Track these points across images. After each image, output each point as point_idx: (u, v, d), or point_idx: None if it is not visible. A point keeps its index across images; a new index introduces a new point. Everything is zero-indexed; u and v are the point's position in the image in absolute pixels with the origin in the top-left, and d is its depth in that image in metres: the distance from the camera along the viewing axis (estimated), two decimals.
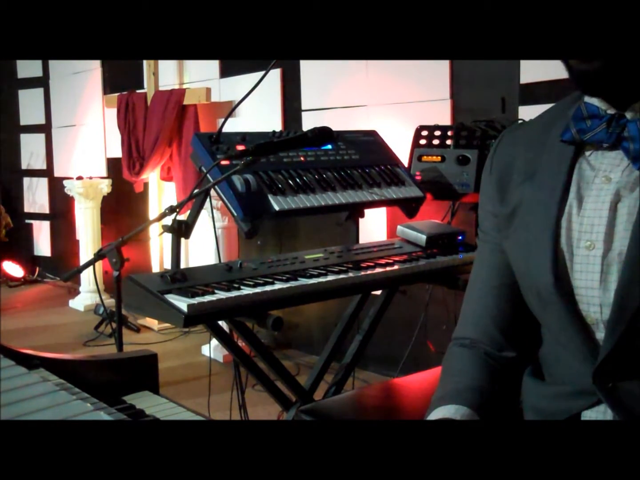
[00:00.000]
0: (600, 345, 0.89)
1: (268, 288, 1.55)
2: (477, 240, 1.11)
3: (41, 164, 5.96)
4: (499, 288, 1.04)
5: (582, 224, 0.91)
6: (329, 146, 2.08)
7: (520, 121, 2.35)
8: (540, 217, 0.94)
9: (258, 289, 1.54)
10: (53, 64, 5.65)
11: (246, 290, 1.52)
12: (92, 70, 5.22)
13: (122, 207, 5.18)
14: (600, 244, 0.88)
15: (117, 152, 4.78)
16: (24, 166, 6.16)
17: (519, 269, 0.99)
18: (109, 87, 5.14)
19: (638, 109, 0.88)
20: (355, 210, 2.21)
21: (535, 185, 0.97)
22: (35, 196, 6.08)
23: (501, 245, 1.03)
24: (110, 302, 4.24)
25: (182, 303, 1.43)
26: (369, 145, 2.23)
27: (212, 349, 3.46)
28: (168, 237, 1.82)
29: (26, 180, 6.14)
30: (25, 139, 6.12)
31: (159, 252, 4.50)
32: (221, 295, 1.48)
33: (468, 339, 1.05)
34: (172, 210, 1.66)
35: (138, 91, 4.51)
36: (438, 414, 0.94)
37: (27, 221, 6.05)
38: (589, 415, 0.91)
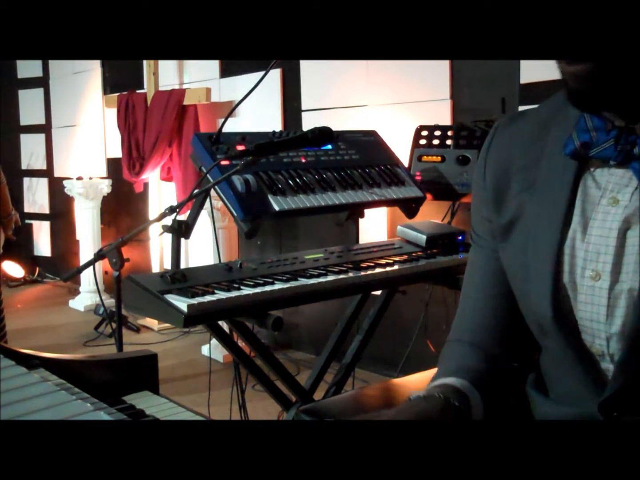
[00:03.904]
0: (604, 375, 0.85)
1: (268, 288, 1.55)
2: (470, 241, 1.05)
3: (41, 164, 5.96)
4: (496, 296, 0.98)
5: (587, 252, 0.84)
6: (329, 146, 2.08)
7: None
8: (541, 241, 0.87)
9: (258, 289, 1.54)
10: (53, 64, 5.66)
11: (246, 290, 1.52)
12: (92, 70, 5.22)
13: (122, 207, 5.18)
14: (607, 275, 0.82)
15: (117, 152, 4.78)
16: (24, 166, 6.16)
17: (517, 289, 0.94)
18: (109, 87, 5.14)
19: None
20: (355, 210, 2.21)
21: (535, 199, 0.90)
22: (35, 196, 6.09)
23: (496, 251, 0.97)
24: (110, 302, 4.25)
25: (182, 303, 1.43)
26: (369, 145, 2.23)
27: (212, 348, 3.46)
28: (168, 237, 1.82)
29: (26, 181, 6.14)
30: (25, 139, 6.13)
31: (159, 252, 4.50)
32: (221, 295, 1.48)
33: (467, 343, 1.00)
34: (172, 210, 1.66)
35: (138, 91, 4.51)
36: (438, 382, 0.91)
37: (27, 221, 6.05)
38: None
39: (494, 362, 0.97)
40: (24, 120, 6.09)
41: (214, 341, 2.69)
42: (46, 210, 6.00)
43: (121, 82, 4.95)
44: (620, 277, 0.81)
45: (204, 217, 1.95)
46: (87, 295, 5.03)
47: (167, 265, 3.13)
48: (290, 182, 1.89)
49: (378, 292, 2.28)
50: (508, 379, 0.98)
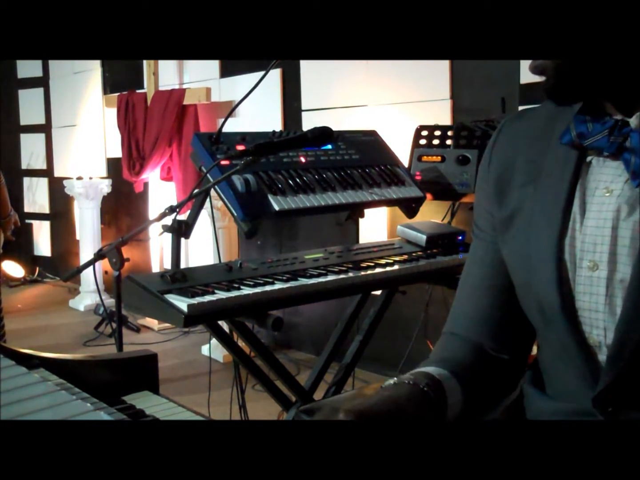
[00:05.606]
0: (601, 368, 0.85)
1: (268, 288, 1.55)
2: (472, 234, 1.06)
3: (41, 164, 5.96)
4: (492, 288, 0.98)
5: (585, 242, 0.85)
6: (329, 146, 2.08)
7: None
8: (543, 230, 0.88)
9: (258, 289, 1.54)
10: (53, 64, 5.66)
11: (246, 290, 1.52)
12: (92, 70, 5.23)
13: (122, 207, 5.18)
14: (604, 265, 0.83)
15: (117, 152, 4.78)
16: (24, 166, 6.16)
17: (519, 281, 0.94)
18: (109, 87, 5.15)
19: None
20: (355, 210, 2.21)
21: (537, 191, 0.91)
22: (35, 196, 6.09)
23: (496, 243, 0.98)
24: (110, 302, 4.25)
25: (182, 303, 1.43)
26: (369, 145, 2.23)
27: (212, 348, 3.46)
28: (168, 237, 1.82)
29: (26, 180, 6.15)
30: (25, 139, 6.13)
31: (159, 252, 4.51)
32: (221, 295, 1.48)
33: (459, 335, 1.01)
34: (172, 210, 1.66)
35: (138, 91, 4.51)
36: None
37: (27, 221, 6.06)
38: None
39: (483, 354, 0.97)
40: (24, 120, 6.09)
41: (214, 341, 2.69)
42: (46, 210, 6.00)
43: (121, 82, 4.95)
44: (617, 267, 0.82)
45: (204, 217, 1.95)
46: (87, 295, 5.03)
47: (167, 265, 3.13)
48: (290, 182, 1.89)
49: (378, 292, 2.28)
50: (498, 372, 0.98)
